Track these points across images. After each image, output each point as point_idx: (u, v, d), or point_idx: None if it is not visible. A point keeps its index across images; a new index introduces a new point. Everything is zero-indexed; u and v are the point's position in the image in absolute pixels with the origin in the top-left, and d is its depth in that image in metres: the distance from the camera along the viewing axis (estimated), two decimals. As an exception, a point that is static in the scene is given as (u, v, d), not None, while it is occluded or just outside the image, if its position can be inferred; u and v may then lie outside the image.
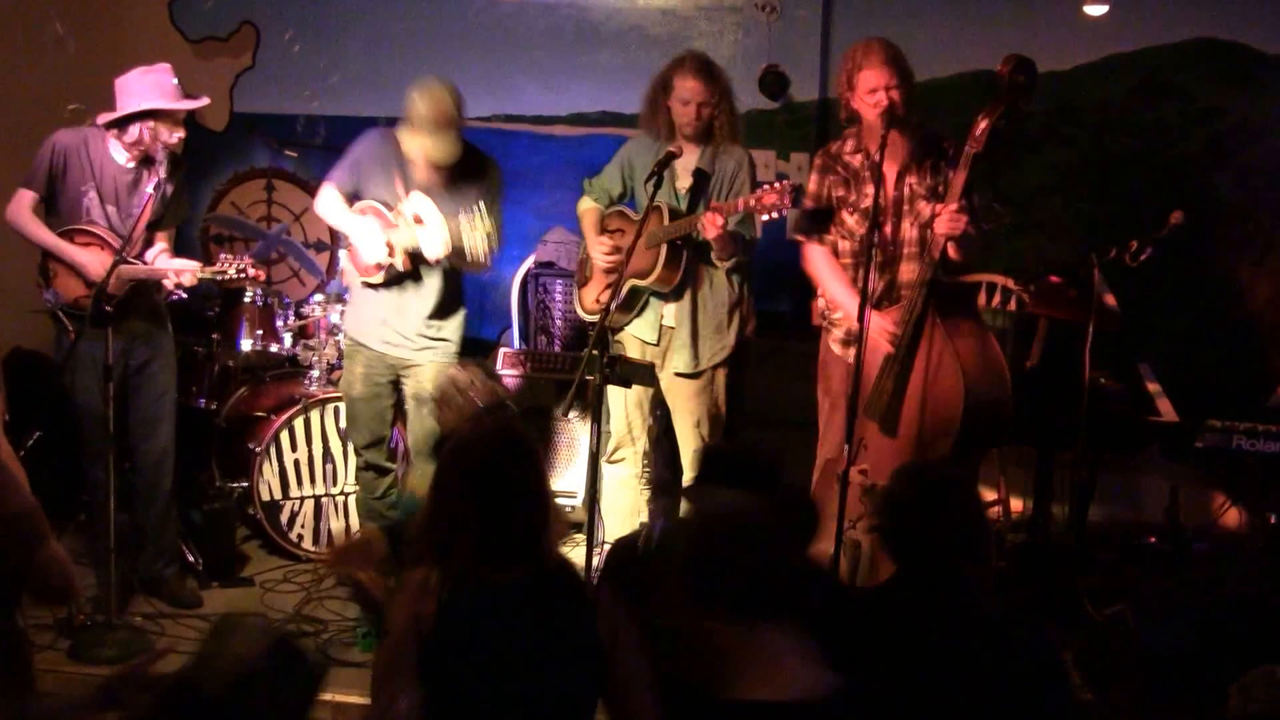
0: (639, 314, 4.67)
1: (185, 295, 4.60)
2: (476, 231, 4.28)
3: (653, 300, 4.65)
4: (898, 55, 4.14)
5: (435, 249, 4.38)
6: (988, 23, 5.54)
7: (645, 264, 4.53)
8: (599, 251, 4.67)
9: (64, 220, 4.40)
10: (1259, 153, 5.48)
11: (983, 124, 3.92)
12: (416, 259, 4.48)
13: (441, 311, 4.61)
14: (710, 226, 4.28)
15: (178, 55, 6.15)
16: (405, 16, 6.16)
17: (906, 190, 4.21)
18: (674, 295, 4.60)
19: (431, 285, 4.57)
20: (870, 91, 4.12)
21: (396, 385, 4.69)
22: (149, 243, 4.53)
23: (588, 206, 4.81)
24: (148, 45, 5.81)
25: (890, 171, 4.20)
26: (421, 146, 4.37)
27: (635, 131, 4.92)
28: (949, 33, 5.41)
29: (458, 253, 4.36)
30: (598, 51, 6.03)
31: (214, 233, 6.23)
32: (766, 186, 4.17)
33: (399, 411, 4.78)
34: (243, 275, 4.48)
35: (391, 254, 4.45)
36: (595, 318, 4.78)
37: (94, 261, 4.33)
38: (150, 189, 4.31)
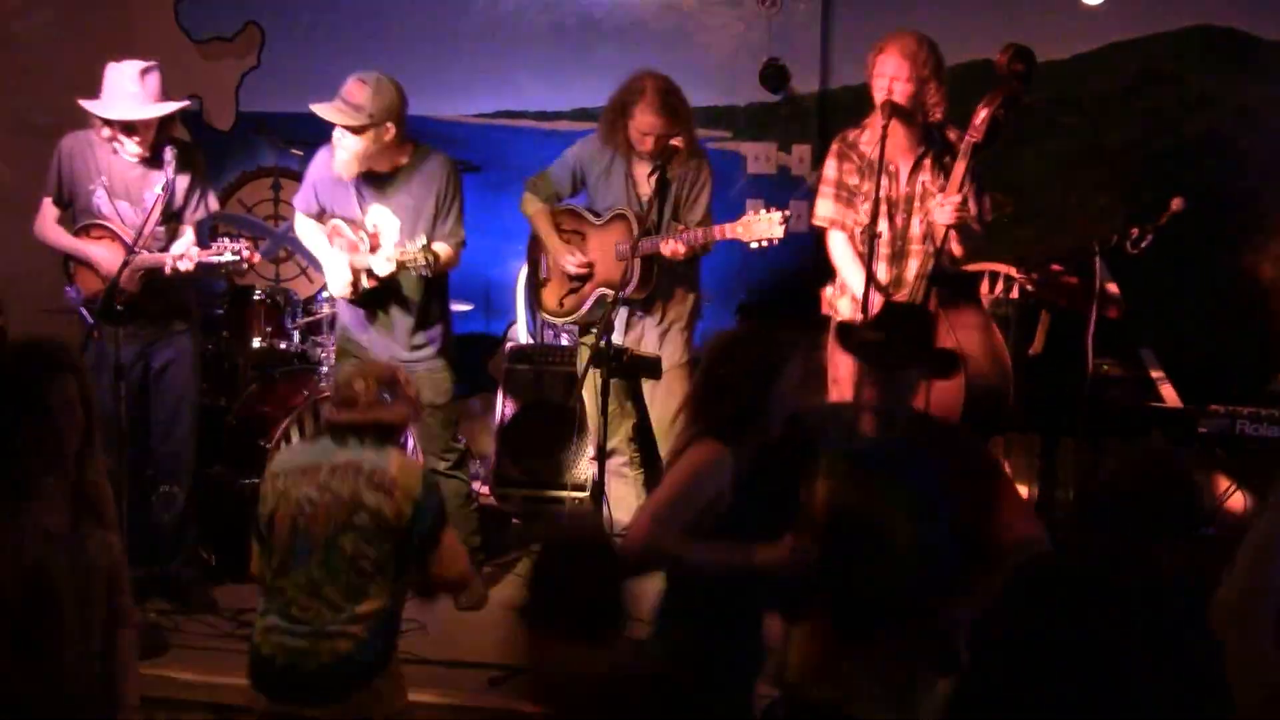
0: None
1: (189, 276, 4.49)
2: (410, 248, 4.30)
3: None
4: (919, 52, 4.11)
5: (382, 268, 4.39)
6: (986, 12, 5.56)
7: (615, 275, 4.57)
8: (570, 264, 4.70)
9: (80, 219, 4.47)
10: (1258, 138, 5.49)
11: (983, 113, 3.95)
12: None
13: (422, 321, 4.60)
14: (674, 256, 4.45)
15: (184, 55, 6.20)
16: (408, 14, 6.19)
17: (919, 186, 4.22)
18: (645, 303, 4.67)
19: (409, 295, 4.55)
20: (878, 76, 4.14)
21: None
22: (173, 235, 4.52)
23: (538, 208, 4.80)
24: (153, 46, 5.83)
25: (904, 166, 4.22)
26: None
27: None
28: (947, 22, 5.40)
29: (410, 266, 4.35)
30: (600, 46, 6.05)
31: (221, 231, 6.24)
32: (732, 224, 4.34)
33: None
34: (239, 258, 4.41)
35: (356, 278, 4.47)
36: (561, 319, 4.86)
37: (106, 255, 4.39)
38: (159, 188, 4.34)
